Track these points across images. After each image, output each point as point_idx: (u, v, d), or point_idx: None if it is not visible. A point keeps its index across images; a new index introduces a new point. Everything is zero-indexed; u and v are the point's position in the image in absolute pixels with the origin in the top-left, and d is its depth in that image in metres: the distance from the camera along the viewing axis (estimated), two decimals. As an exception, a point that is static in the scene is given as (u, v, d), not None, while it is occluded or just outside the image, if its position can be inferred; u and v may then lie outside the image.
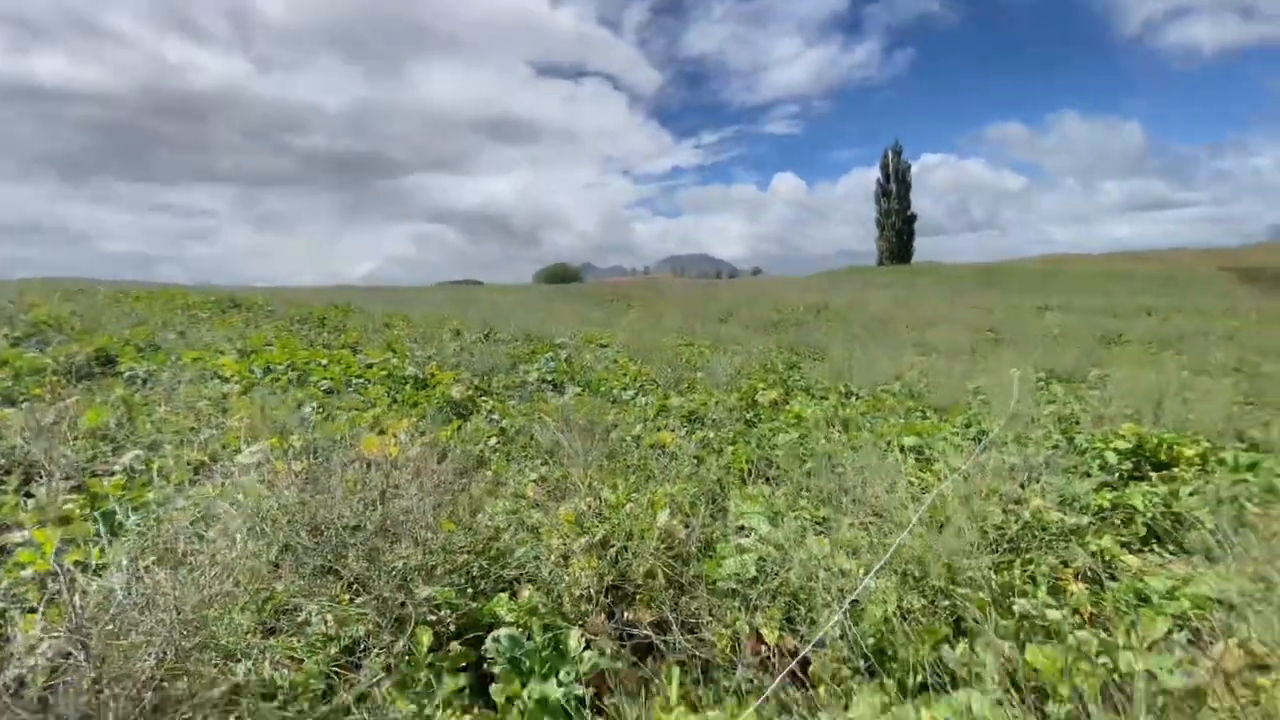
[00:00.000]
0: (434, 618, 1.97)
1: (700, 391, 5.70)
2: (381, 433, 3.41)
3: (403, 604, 1.85)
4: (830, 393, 6.10)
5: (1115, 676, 1.56)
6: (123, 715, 1.34)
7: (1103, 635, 1.76)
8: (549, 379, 5.63)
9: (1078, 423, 4.97)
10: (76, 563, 1.83)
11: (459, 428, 3.78)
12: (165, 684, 1.40)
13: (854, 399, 5.91)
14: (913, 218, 60.66)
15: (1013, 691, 1.56)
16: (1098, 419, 5.10)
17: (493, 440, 3.74)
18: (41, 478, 2.82)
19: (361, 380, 5.07)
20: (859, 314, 15.42)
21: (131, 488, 2.74)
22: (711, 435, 4.21)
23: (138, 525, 2.22)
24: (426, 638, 1.81)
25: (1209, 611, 2.20)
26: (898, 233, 59.57)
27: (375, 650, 1.60)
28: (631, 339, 9.19)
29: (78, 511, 2.52)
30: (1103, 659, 1.66)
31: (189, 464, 3.00)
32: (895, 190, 60.23)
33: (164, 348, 5.72)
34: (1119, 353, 9.38)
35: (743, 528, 2.65)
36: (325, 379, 4.93)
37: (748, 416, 4.91)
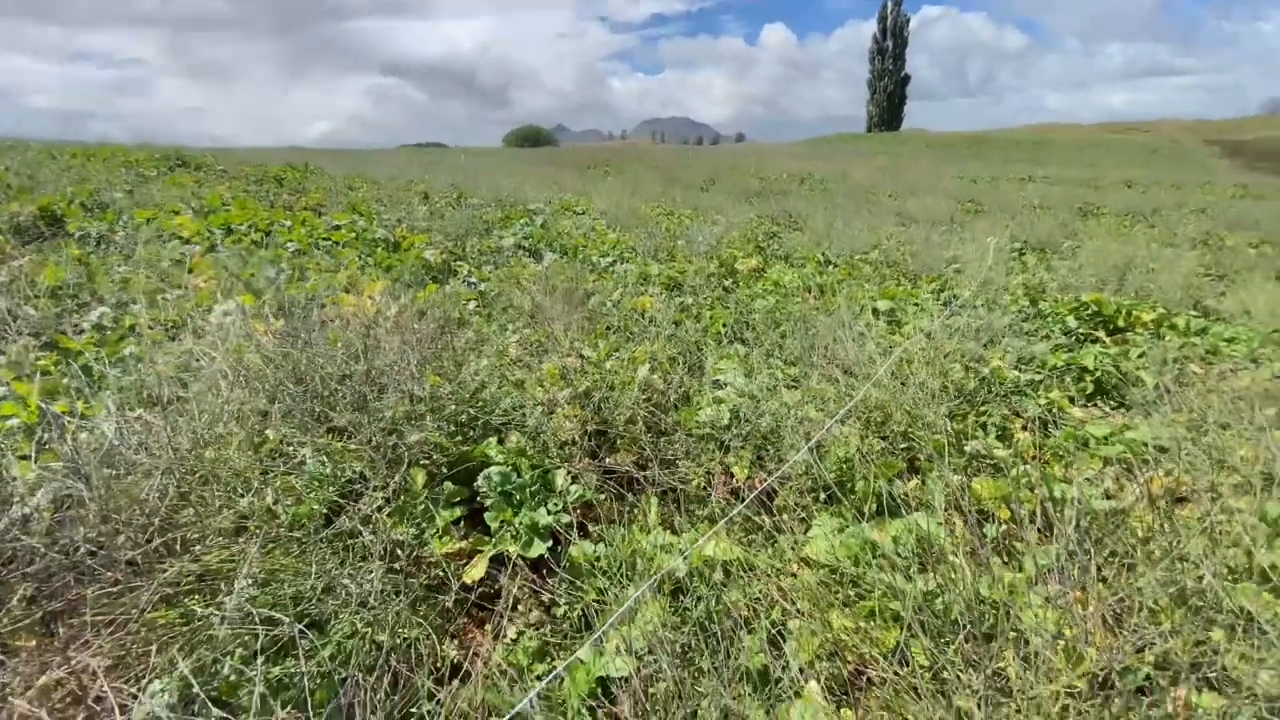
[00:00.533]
0: (427, 460, 2.08)
1: (680, 260, 5.66)
2: (357, 294, 3.37)
3: (395, 446, 1.94)
4: (809, 261, 6.11)
5: (1049, 503, 1.74)
6: (132, 543, 1.43)
7: (1042, 470, 1.94)
8: (525, 245, 5.50)
9: (1045, 291, 5.11)
10: (63, 411, 1.85)
11: (437, 290, 3.74)
12: (172, 515, 1.48)
13: (832, 267, 5.94)
14: (906, 79, 57.37)
15: (957, 515, 1.74)
16: (1065, 287, 5.24)
17: (472, 304, 3.73)
18: (7, 336, 2.77)
19: (329, 243, 4.90)
20: (842, 183, 15.03)
21: (105, 344, 2.71)
22: (690, 301, 4.25)
23: (118, 378, 2.22)
24: (421, 476, 1.92)
25: (1141, 455, 2.44)
26: (889, 96, 56.59)
27: (373, 486, 1.70)
28: (610, 206, 8.90)
29: (52, 368, 2.51)
30: (1040, 489, 1.85)
31: (161, 323, 2.95)
32: (891, 48, 56.32)
33: (112, 207, 5.38)
34: (1094, 225, 9.43)
35: (719, 382, 2.76)
36: (291, 241, 4.74)
37: (726, 284, 4.94)
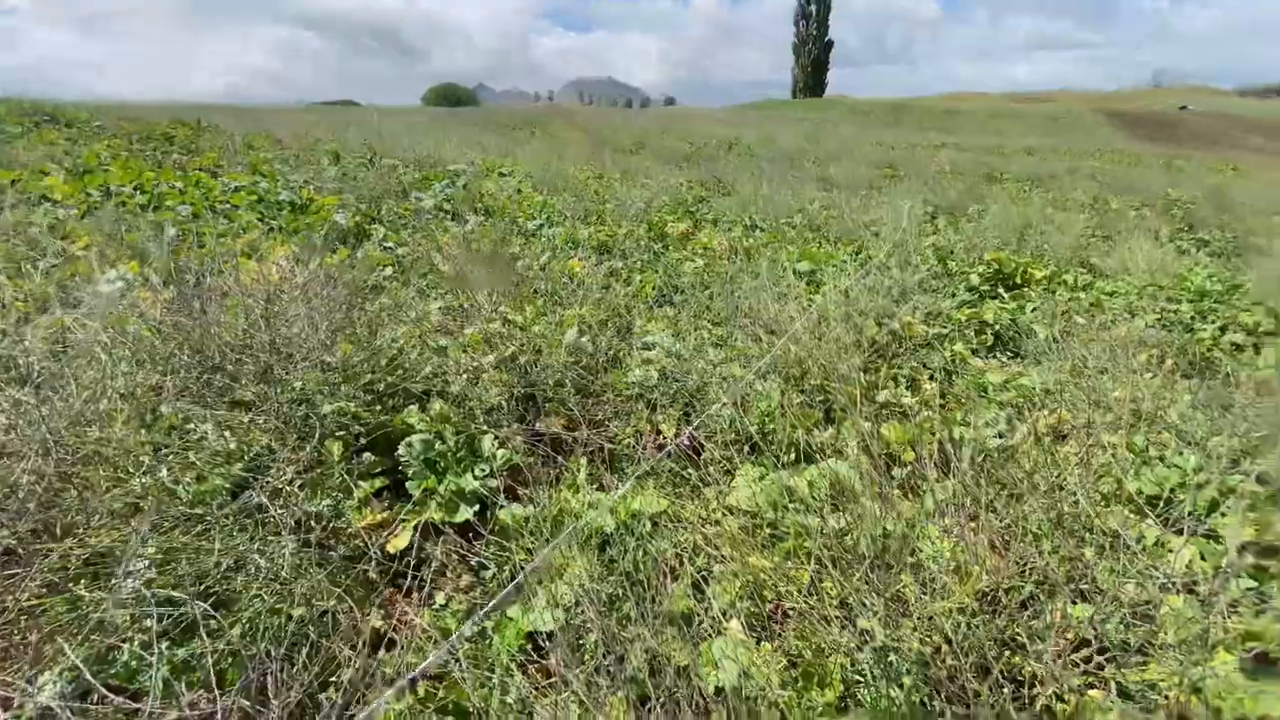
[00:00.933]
0: (343, 432, 1.99)
1: (610, 224, 5.59)
2: (259, 260, 3.14)
3: (306, 418, 1.85)
4: (736, 225, 6.19)
5: (949, 444, 1.87)
6: (8, 530, 1.30)
7: (944, 415, 2.08)
8: (446, 208, 5.27)
9: (953, 252, 5.40)
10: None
11: (349, 256, 3.54)
12: (54, 498, 1.36)
13: (758, 231, 6.04)
14: (829, 45, 58.23)
15: (868, 459, 1.84)
16: (970, 248, 5.57)
17: (389, 269, 3.55)
18: None
19: (228, 206, 4.52)
20: (769, 148, 15.21)
21: (-39, 319, 2.41)
22: (620, 265, 4.23)
23: (-20, 355, 1.99)
24: (337, 448, 1.84)
25: (1031, 398, 2.66)
26: (813, 62, 57.35)
27: (283, 459, 1.61)
28: (536, 169, 8.65)
29: (-102, 346, 2.21)
30: (941, 433, 1.98)
31: (31, 295, 2.65)
32: (815, 12, 56.87)
33: (-37, 166, 4.74)
34: (998, 189, 10.01)
35: (648, 344, 2.77)
36: (184, 204, 4.34)
37: (656, 248, 4.94)
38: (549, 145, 13.14)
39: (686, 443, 2.02)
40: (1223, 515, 1.67)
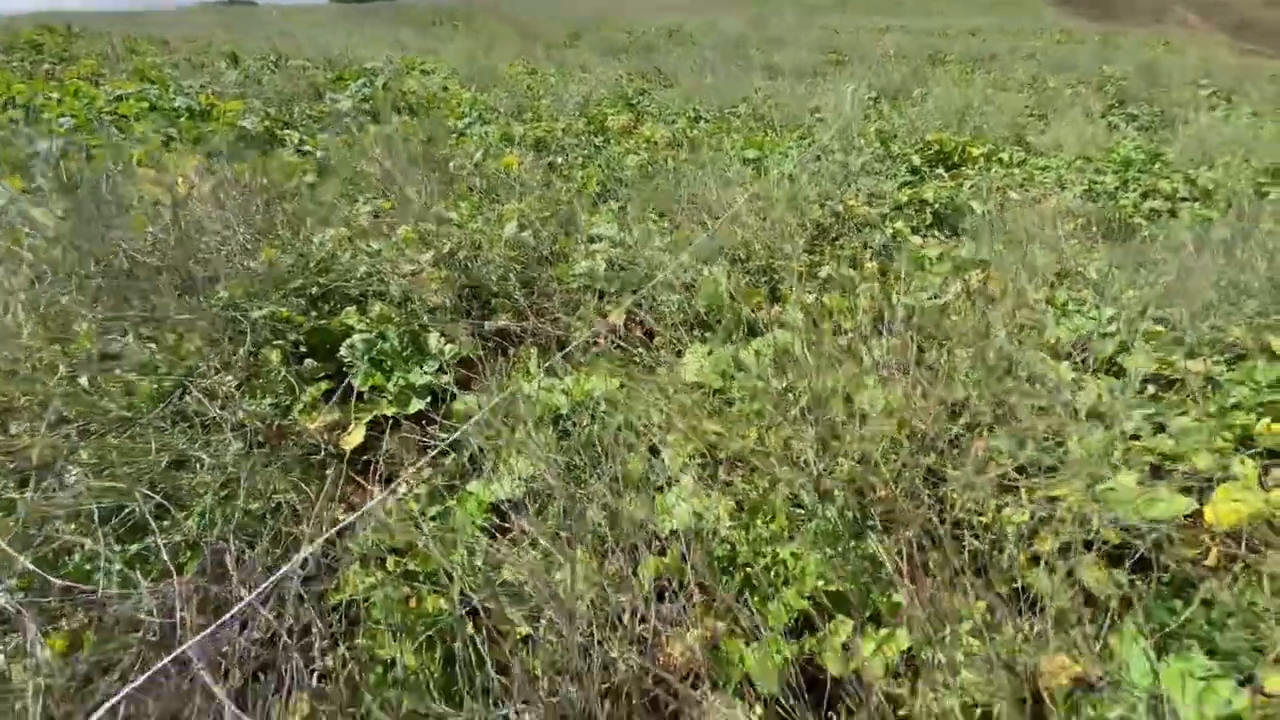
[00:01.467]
0: (280, 340, 1.92)
1: (547, 119, 5.29)
2: (160, 170, 2.87)
3: (237, 326, 1.76)
4: (680, 116, 5.96)
5: (886, 305, 1.94)
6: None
7: (883, 282, 2.15)
8: (366, 109, 4.86)
9: (895, 135, 5.37)
10: None
11: (262, 162, 3.26)
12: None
13: (703, 122, 5.84)
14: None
15: (811, 329, 1.90)
16: (913, 130, 5.55)
17: (310, 175, 3.31)
18: None
19: (116, 116, 4.06)
20: (711, 36, 14.42)
21: None
22: (561, 161, 4.05)
23: None
24: (275, 355, 1.77)
25: (967, 269, 2.76)
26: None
27: (213, 366, 1.55)
28: (462, 65, 8.00)
29: None
30: (881, 300, 2.05)
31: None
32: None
33: None
34: (941, 72, 9.87)
35: (594, 237, 2.72)
36: (64, 115, 3.87)
37: (597, 142, 4.73)
38: (475, 40, 12.11)
39: (621, 330, 2.04)
40: (1129, 354, 1.81)
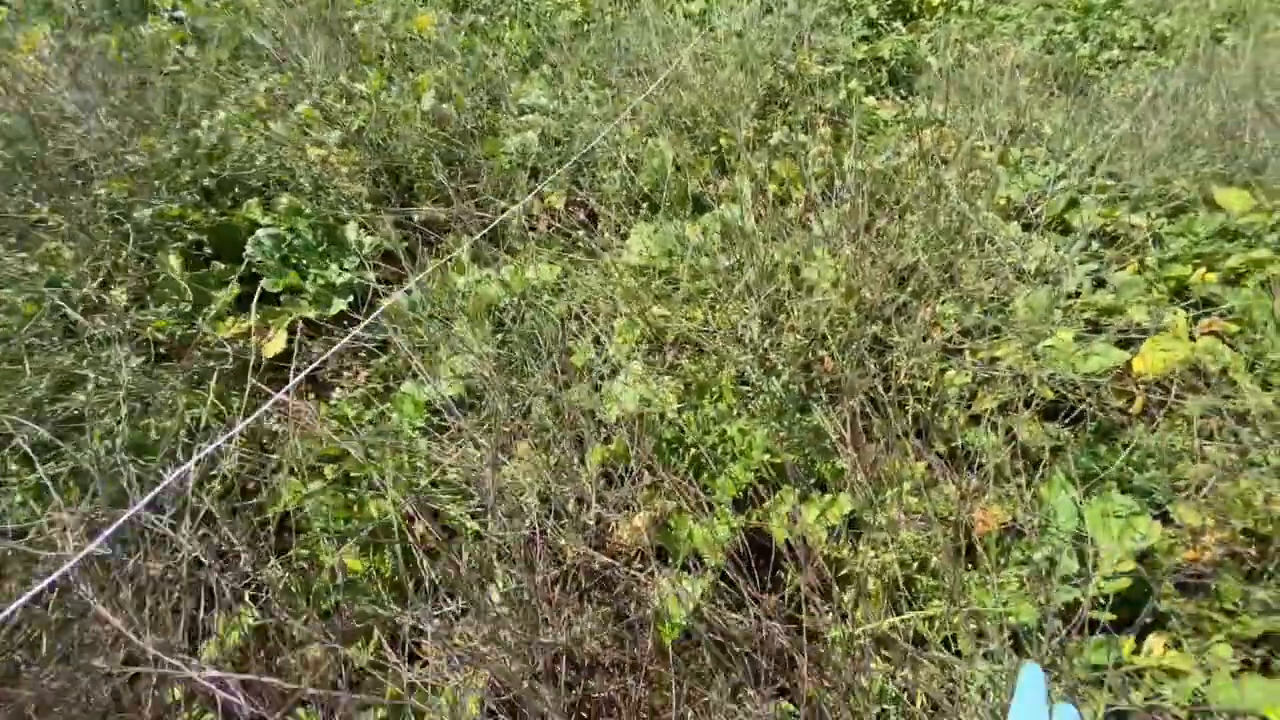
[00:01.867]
0: (178, 242, 1.71)
1: (464, -26, 4.64)
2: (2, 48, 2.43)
3: (122, 229, 1.55)
4: (616, -33, 5.31)
5: (837, 172, 1.85)
6: None
7: (834, 146, 2.03)
8: (251, -35, 4.15)
9: (853, -17, 4.95)
10: None
11: (128, 33, 2.78)
12: None
13: (642, -27, 5.24)
14: None
15: (761, 202, 1.80)
16: (871, -23, 5.11)
17: (190, 49, 2.85)
18: None
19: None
20: None
21: None
22: (484, 21, 3.59)
23: None
24: (174, 259, 1.59)
25: (921, 129, 2.64)
26: None
27: (86, 274, 1.37)
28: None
29: None
30: (833, 167, 1.95)
31: None
32: None
33: None
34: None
35: (524, 109, 2.46)
36: None
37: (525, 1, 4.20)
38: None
39: (560, 213, 1.90)
40: (1077, 210, 1.79)
